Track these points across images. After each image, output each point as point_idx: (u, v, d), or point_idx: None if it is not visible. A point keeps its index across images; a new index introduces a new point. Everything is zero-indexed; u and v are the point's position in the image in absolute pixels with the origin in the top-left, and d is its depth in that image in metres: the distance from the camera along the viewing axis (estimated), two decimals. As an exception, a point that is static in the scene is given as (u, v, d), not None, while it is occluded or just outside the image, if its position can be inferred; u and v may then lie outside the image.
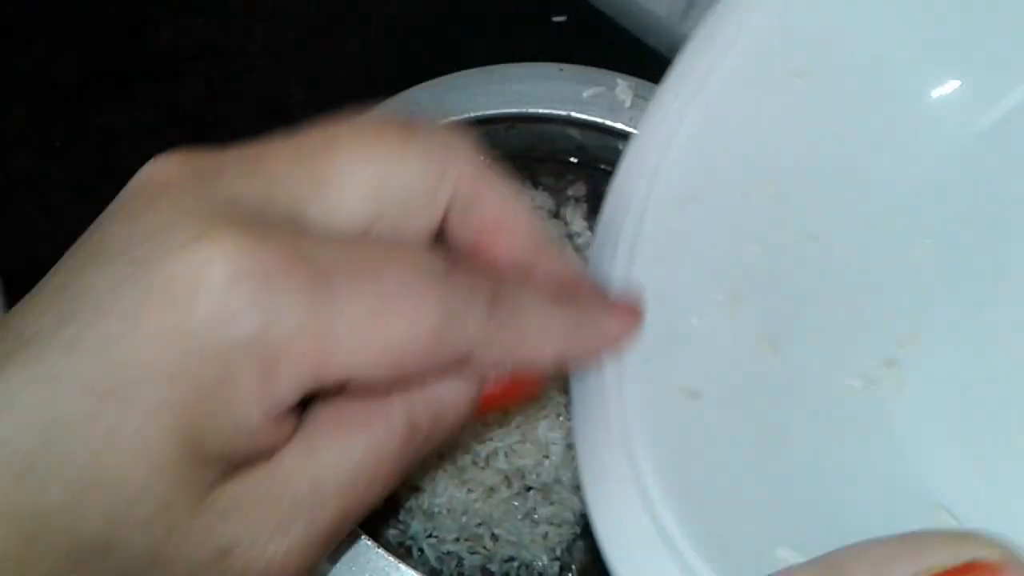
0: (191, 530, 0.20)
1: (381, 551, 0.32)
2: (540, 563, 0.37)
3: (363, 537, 0.33)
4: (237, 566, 0.21)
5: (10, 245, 0.53)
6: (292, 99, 0.59)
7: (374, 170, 0.22)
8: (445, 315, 0.21)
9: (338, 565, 0.32)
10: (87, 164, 0.56)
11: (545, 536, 0.37)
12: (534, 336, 0.23)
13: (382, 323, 0.20)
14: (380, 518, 0.38)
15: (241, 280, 0.19)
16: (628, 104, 0.39)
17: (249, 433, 0.20)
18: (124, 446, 0.19)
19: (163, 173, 0.22)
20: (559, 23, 0.55)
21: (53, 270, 0.22)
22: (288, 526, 0.21)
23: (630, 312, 0.25)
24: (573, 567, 0.37)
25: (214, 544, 0.21)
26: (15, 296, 0.50)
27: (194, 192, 0.21)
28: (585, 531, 0.38)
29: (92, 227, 0.23)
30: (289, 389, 0.20)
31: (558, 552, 0.37)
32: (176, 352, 0.19)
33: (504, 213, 0.24)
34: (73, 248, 0.23)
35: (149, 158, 0.24)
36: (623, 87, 0.39)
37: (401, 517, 0.37)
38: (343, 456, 0.22)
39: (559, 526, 0.37)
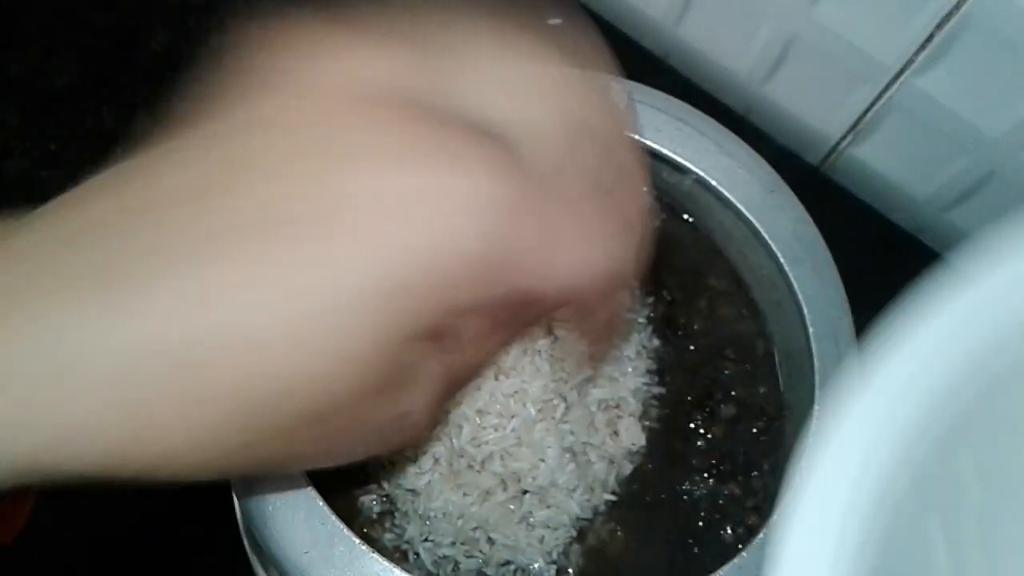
0: (386, 404, 0.23)
1: (376, 556, 0.32)
2: (536, 567, 0.37)
3: (358, 542, 0.32)
4: (409, 425, 0.25)
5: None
6: (287, 102, 0.58)
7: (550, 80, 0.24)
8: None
9: (334, 570, 0.32)
10: (83, 169, 0.55)
11: (541, 540, 0.37)
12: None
13: (588, 247, 0.23)
14: (375, 522, 0.37)
15: (486, 204, 0.21)
16: (621, 107, 0.39)
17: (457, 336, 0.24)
18: (338, 354, 0.21)
19: (367, 70, 0.22)
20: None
21: (205, 144, 0.22)
22: (449, 396, 0.27)
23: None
24: (570, 570, 0.37)
25: (399, 411, 0.24)
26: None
27: (412, 102, 0.22)
28: (581, 534, 0.38)
29: (268, 107, 0.22)
30: (499, 300, 0.23)
31: (554, 556, 0.37)
32: (406, 270, 0.20)
33: None
34: (241, 122, 0.22)
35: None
36: (617, 90, 0.39)
37: (397, 521, 0.37)
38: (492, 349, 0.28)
39: (555, 529, 0.37)
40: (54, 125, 0.57)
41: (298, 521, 0.32)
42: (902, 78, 0.50)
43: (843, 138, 0.55)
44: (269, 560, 0.35)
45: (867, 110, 0.53)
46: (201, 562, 0.47)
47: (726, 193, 0.38)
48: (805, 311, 0.36)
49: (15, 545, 0.28)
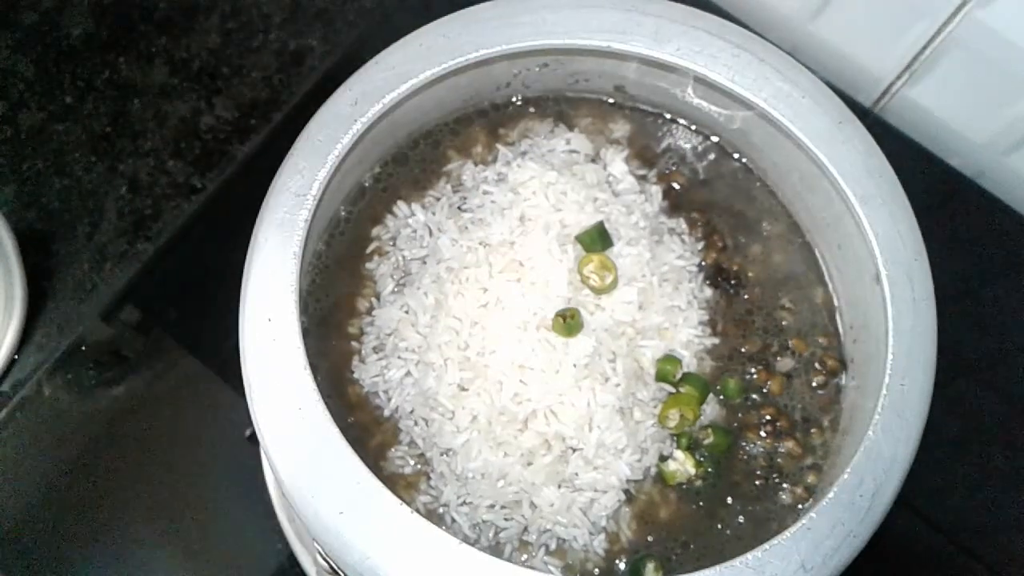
0: None
1: (416, 516, 0.30)
2: (582, 532, 0.34)
3: (397, 503, 0.30)
4: None
5: (25, 204, 0.51)
6: (309, 50, 0.56)
7: None
8: None
9: (371, 533, 0.30)
10: (99, 121, 0.54)
11: (589, 503, 0.34)
12: None
13: None
14: (410, 484, 0.35)
15: None
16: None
17: None
18: None
19: None
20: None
21: None
22: None
23: None
24: (619, 535, 0.35)
25: None
26: (31, 254, 0.49)
27: None
28: (631, 497, 0.35)
29: None
30: None
31: (603, 520, 0.35)
32: None
33: None
34: None
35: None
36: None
37: (433, 483, 0.35)
38: None
39: (603, 492, 0.35)
40: (70, 77, 0.55)
41: (332, 481, 0.30)
42: (964, 11, 0.47)
43: (898, 78, 0.52)
44: (300, 522, 0.33)
45: (924, 47, 0.50)
46: (228, 523, 0.46)
47: (789, 125, 0.35)
48: (877, 253, 0.33)
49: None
